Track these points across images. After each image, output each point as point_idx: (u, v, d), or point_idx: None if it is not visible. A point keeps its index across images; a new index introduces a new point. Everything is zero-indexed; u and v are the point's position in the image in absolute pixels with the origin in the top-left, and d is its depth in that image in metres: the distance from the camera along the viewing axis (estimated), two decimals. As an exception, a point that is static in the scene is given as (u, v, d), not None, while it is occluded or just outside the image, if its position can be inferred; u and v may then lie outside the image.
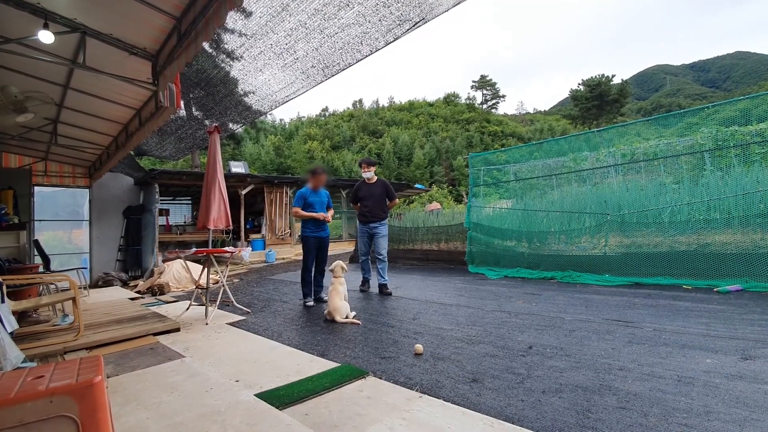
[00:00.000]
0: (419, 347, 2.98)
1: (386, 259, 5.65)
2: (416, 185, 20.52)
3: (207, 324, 4.28)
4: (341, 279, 4.29)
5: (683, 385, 2.22)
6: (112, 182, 9.51)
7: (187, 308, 4.89)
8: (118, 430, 1.96)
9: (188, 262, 6.23)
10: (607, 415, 1.96)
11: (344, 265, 4.47)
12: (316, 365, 2.81)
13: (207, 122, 6.74)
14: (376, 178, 5.88)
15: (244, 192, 12.30)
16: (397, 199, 5.92)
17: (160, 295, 6.83)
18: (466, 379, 2.47)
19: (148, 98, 4.64)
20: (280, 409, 2.10)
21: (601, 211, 6.04)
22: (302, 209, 5.21)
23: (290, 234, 13.63)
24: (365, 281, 5.91)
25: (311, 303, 5.06)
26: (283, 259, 12.08)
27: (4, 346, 2.50)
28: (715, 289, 4.36)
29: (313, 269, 5.18)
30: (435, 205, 16.54)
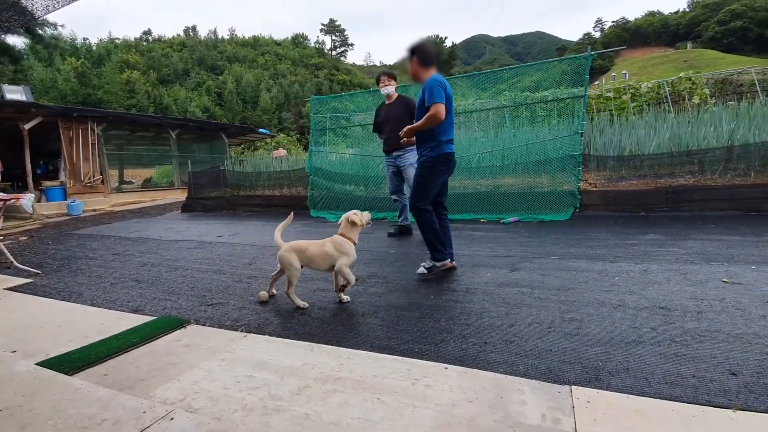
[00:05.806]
0: (263, 294, 2.87)
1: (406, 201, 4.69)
2: (260, 130, 19.33)
3: (-31, 293, 3.31)
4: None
5: (469, 294, 2.76)
6: None
7: (-66, 276, 3.68)
8: None
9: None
10: (411, 325, 2.31)
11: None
12: (126, 322, 2.50)
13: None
14: (396, 95, 4.84)
15: (28, 126, 9.58)
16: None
17: None
18: (295, 314, 2.56)
19: None
20: (70, 374, 1.81)
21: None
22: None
23: (102, 181, 11.37)
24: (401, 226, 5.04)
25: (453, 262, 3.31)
26: (94, 210, 10.08)
27: None
28: (501, 221, 5.47)
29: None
30: (281, 152, 15.90)
